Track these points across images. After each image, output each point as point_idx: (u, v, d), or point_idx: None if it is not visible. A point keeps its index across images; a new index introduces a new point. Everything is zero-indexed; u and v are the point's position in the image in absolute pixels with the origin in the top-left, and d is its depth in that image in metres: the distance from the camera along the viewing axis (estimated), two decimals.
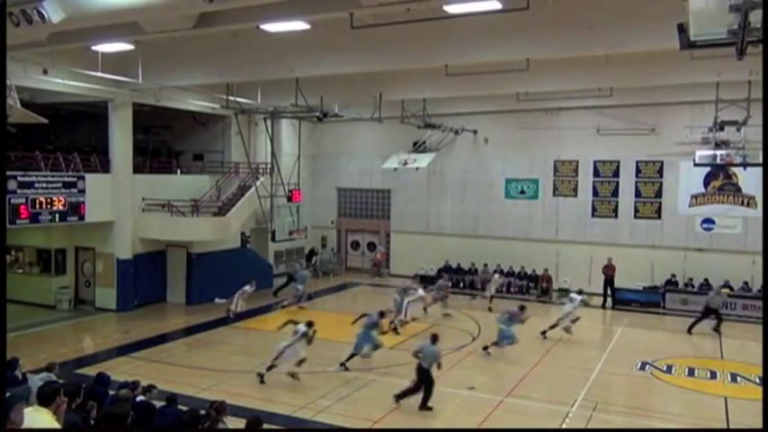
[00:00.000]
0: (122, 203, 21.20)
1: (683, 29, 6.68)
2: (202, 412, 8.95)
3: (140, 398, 9.79)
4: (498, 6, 11.01)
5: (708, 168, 23.03)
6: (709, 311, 19.79)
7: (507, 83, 19.22)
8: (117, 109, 21.05)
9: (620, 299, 23.59)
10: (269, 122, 25.29)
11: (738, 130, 19.91)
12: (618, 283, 23.78)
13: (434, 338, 13.43)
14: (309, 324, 14.53)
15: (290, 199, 25.27)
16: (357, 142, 29.42)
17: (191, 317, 20.89)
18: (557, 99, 23.68)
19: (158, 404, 9.76)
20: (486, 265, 26.55)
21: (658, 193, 25.07)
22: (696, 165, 21.34)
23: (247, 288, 20.72)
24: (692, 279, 23.88)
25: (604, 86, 20.65)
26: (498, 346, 16.64)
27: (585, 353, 17.41)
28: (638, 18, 12.63)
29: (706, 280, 23.36)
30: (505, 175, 27.33)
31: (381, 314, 16.23)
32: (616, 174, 25.70)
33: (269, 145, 25.72)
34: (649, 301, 23.43)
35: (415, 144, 26.56)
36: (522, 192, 27.12)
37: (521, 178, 27.14)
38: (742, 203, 23.71)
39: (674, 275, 24.03)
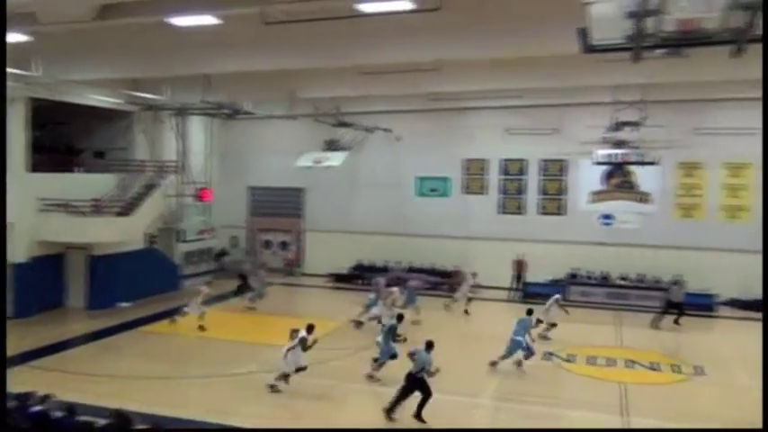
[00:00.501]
0: (18, 204, 19.93)
1: (584, 33, 6.99)
2: (103, 422, 8.56)
3: (36, 409, 9.24)
4: (410, 6, 11.15)
5: (607, 166, 24.40)
6: (671, 305, 20.62)
7: (419, 83, 19.51)
8: (12, 103, 19.77)
9: (527, 292, 24.46)
10: (177, 119, 24.50)
11: (634, 130, 21.15)
12: (526, 278, 24.72)
13: (429, 345, 12.64)
14: (310, 329, 13.93)
15: (198, 198, 24.57)
16: (270, 140, 28.99)
17: (93, 322, 19.90)
18: (467, 99, 24.25)
19: (57, 415, 9.25)
20: (400, 263, 26.86)
21: (562, 191, 26.24)
22: (596, 163, 22.52)
23: (204, 288, 20.11)
24: (602, 272, 25.11)
25: (513, 88, 21.31)
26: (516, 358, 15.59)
27: (494, 345, 17.87)
28: (543, 23, 13.10)
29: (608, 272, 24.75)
30: (418, 173, 27.75)
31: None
32: (523, 172, 26.69)
33: (177, 142, 24.92)
34: (553, 293, 24.39)
35: (328, 142, 26.48)
36: (434, 190, 27.65)
37: (432, 176, 27.64)
38: (638, 200, 25.22)
39: (576, 269, 25.20)
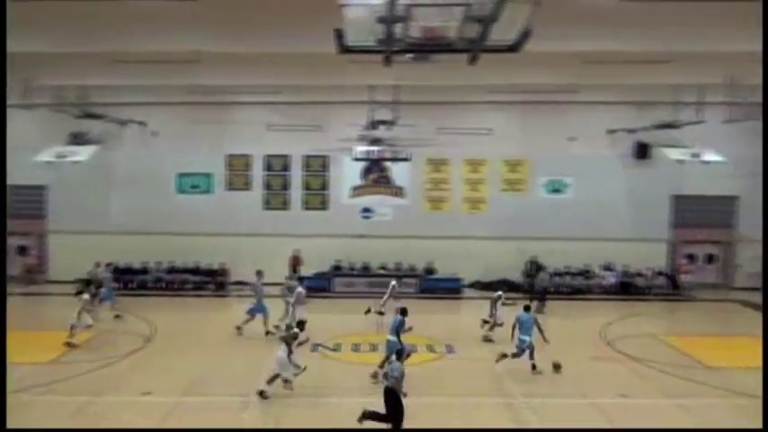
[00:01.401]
0: None
1: (340, 35, 7.23)
2: None
3: None
4: None
5: (365, 162, 25.72)
6: (545, 292, 22.55)
7: (178, 74, 18.66)
8: None
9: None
10: None
11: (389, 129, 22.52)
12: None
13: (399, 354, 12.19)
14: (300, 325, 14.03)
15: None
16: None
17: None
18: (229, 93, 23.78)
19: None
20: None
21: (325, 186, 27.04)
22: (355, 159, 23.58)
23: (86, 297, 17.33)
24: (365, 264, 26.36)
25: (273, 84, 21.37)
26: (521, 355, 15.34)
27: (263, 342, 17.86)
28: (304, 21, 13.33)
29: (367, 263, 26.09)
30: (178, 169, 26.56)
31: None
32: (287, 168, 26.97)
33: None
34: (318, 286, 25.09)
35: (74, 136, 24.11)
36: (196, 186, 26.70)
37: (194, 173, 26.67)
38: (393, 194, 27.00)
39: (339, 261, 26.16)
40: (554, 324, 18.77)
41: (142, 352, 16.82)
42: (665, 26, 13.72)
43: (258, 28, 13.89)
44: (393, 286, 19.78)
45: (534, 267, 25.41)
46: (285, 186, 27.05)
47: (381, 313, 18.95)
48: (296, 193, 27.03)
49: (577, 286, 25.59)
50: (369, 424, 11.36)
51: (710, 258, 27.61)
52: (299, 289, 18.62)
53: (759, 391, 13.90)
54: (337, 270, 25.97)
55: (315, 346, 17.32)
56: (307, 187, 27.09)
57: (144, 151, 26.22)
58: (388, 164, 26.10)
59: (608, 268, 26.41)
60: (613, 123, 25.95)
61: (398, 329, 14.61)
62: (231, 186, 26.91)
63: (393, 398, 11.00)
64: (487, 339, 18.02)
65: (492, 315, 18.31)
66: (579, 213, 25.93)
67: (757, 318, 20.95)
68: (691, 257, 26.91)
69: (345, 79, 19.86)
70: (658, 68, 17.95)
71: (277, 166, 27.00)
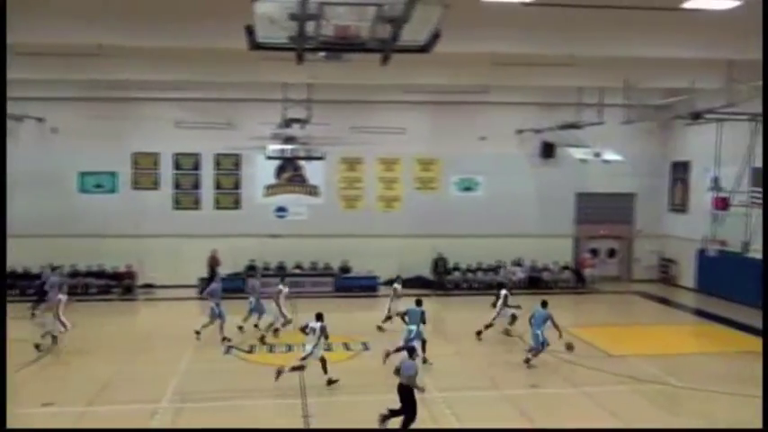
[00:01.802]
0: None
1: (251, 30, 7.08)
2: None
3: None
4: None
5: (279, 161, 25.38)
6: (502, 287, 21.90)
7: (78, 67, 17.83)
8: None
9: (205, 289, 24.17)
10: None
11: (302, 127, 22.37)
12: (205, 274, 24.44)
13: (411, 351, 12.09)
14: (319, 317, 14.04)
15: None
16: None
17: None
18: (135, 89, 22.92)
19: None
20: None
21: (238, 185, 26.50)
22: (268, 158, 23.26)
23: (63, 298, 16.92)
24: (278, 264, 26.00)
25: (182, 79, 20.77)
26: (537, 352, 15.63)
27: (174, 346, 17.33)
28: (214, 15, 12.99)
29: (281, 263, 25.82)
30: (80, 167, 25.32)
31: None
32: (198, 167, 26.25)
33: None
34: (233, 287, 24.54)
35: None
36: (100, 186, 25.53)
37: (98, 171, 25.51)
38: (308, 193, 26.82)
39: (253, 261, 25.73)
40: (466, 318, 19.21)
41: (41, 361, 15.89)
42: (568, 30, 14.30)
43: (165, 21, 13.43)
44: (395, 289, 19.54)
45: (442, 264, 25.97)
46: (196, 185, 26.31)
47: (391, 317, 18.65)
48: (207, 192, 26.33)
49: (489, 282, 26.30)
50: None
51: (612, 253, 29.07)
52: (283, 288, 18.53)
53: (661, 377, 14.83)
54: (251, 270, 25.48)
55: (228, 349, 17.01)
56: (218, 186, 26.46)
57: (42, 149, 24.80)
58: (302, 162, 25.88)
59: (517, 264, 27.31)
60: (521, 123, 26.87)
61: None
62: (138, 185, 25.91)
63: (408, 394, 11.23)
64: (508, 333, 18.34)
65: (498, 313, 18.28)
66: (490, 211, 26.66)
67: (656, 308, 22.32)
68: (594, 252, 28.23)
69: (258, 76, 19.57)
70: (562, 71, 18.71)
71: (187, 165, 26.22)
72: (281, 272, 25.55)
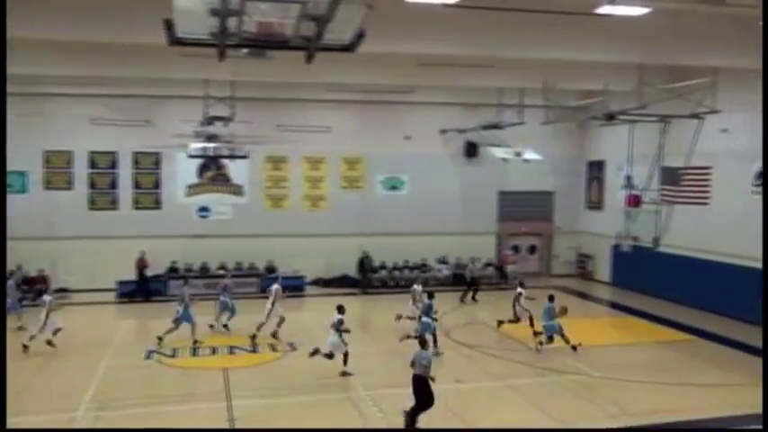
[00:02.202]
0: None
1: (170, 25, 6.87)
2: None
3: None
4: None
5: (202, 160, 24.75)
6: (473, 281, 23.68)
7: None
8: None
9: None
10: None
11: (226, 125, 21.92)
12: (124, 276, 23.64)
13: (423, 342, 12.31)
14: (340, 309, 14.70)
15: None
16: None
17: None
18: (45, 84, 21.84)
19: None
20: None
21: (158, 184, 25.69)
22: (190, 156, 22.66)
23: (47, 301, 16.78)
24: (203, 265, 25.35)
25: (96, 74, 19.96)
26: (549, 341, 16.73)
27: (91, 352, 16.62)
28: (128, 8, 12.55)
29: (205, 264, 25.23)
30: None
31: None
32: (115, 165, 25.29)
33: None
34: (154, 289, 23.85)
35: None
36: (8, 185, 24.12)
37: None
38: (232, 192, 26.32)
39: (175, 262, 25.02)
40: (392, 316, 19.31)
41: None
42: (490, 32, 14.63)
43: (80, 13, 12.86)
44: (414, 290, 19.20)
45: (368, 263, 26.08)
46: (113, 185, 25.32)
47: (411, 318, 18.34)
48: (125, 192, 25.39)
49: (413, 279, 26.47)
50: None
51: (532, 249, 29.97)
52: (277, 286, 18.34)
53: (580, 369, 15.39)
54: (173, 272, 24.78)
55: (150, 353, 16.49)
56: (137, 186, 25.55)
57: None
58: (225, 161, 25.30)
59: (442, 261, 27.74)
60: (446, 123, 27.30)
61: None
62: (50, 185, 24.69)
63: (423, 384, 11.49)
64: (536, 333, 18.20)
65: (515, 311, 18.70)
66: (415, 209, 26.96)
67: (574, 302, 23.09)
68: (515, 249, 29.02)
69: (178, 73, 19.05)
70: (484, 72, 19.15)
71: (103, 164, 25.19)
72: (204, 273, 25.00)
